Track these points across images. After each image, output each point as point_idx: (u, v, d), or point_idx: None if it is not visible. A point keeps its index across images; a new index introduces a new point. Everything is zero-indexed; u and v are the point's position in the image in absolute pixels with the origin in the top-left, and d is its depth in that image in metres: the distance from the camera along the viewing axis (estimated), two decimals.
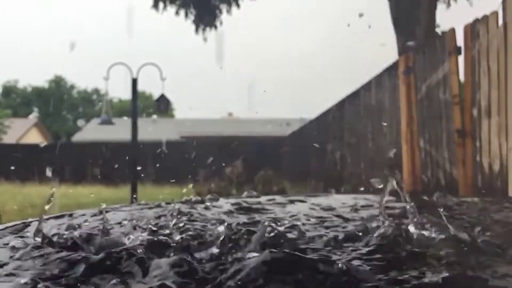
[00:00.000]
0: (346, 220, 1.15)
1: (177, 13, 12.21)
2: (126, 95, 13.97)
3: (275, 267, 0.64)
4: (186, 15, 12.25)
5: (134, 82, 12.31)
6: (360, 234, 0.91)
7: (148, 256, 0.73)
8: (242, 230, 0.90)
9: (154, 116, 31.56)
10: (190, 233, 0.94)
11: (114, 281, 0.66)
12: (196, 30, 12.38)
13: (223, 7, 12.30)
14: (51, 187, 1.04)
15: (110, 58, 16.92)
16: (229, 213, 1.29)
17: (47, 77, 54.29)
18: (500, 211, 1.33)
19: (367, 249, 0.82)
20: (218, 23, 12.38)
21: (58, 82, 52.28)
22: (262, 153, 17.70)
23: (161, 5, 12.13)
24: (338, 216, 1.21)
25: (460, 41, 5.01)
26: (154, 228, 0.99)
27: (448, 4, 10.10)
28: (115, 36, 73.26)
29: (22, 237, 0.98)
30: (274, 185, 12.32)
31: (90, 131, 29.22)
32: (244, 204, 1.39)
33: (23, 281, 0.66)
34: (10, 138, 29.28)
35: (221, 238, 0.86)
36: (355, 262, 0.74)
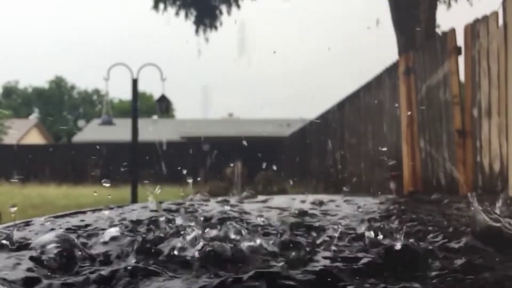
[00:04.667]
0: None
1: (177, 13, 12.21)
2: (127, 95, 13.97)
3: None
4: (186, 15, 12.25)
5: (135, 82, 12.30)
6: None
7: None
8: None
9: (155, 117, 31.55)
10: None
11: None
12: (197, 31, 12.38)
13: (223, 8, 12.29)
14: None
15: (111, 58, 16.95)
16: None
17: (48, 77, 54.31)
18: None
19: None
20: (218, 24, 12.37)
21: (58, 83, 52.28)
22: (262, 153, 17.69)
23: (161, 6, 12.13)
24: None
25: (460, 41, 5.01)
26: None
27: (448, 4, 10.09)
28: (116, 36, 73.33)
29: None
30: (274, 185, 12.31)
31: (91, 132, 29.21)
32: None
33: None
34: (10, 138, 29.24)
35: None
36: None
